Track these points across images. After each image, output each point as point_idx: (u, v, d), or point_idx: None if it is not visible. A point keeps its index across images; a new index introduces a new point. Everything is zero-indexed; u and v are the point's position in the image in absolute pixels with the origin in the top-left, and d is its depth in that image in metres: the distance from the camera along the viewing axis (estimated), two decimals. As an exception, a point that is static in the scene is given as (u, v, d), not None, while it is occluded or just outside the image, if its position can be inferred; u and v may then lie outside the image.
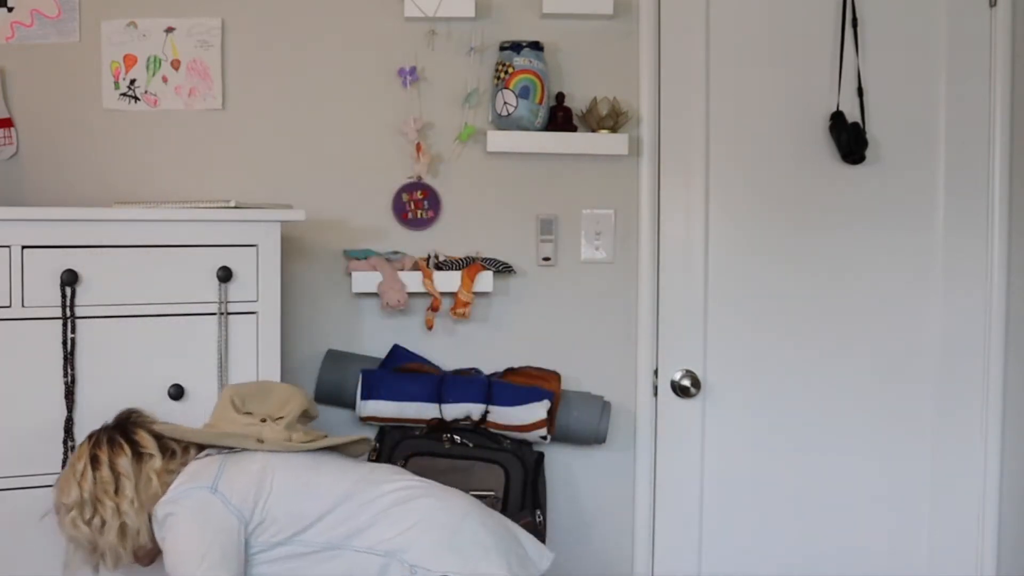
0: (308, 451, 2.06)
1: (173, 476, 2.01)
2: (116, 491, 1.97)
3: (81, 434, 2.14)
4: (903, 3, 2.83)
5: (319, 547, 1.94)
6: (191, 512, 1.93)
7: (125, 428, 2.05)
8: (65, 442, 2.18)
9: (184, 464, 2.04)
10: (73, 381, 2.19)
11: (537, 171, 2.77)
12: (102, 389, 2.20)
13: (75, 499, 1.97)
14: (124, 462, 1.99)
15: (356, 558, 1.93)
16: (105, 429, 2.06)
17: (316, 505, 1.96)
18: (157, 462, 2.01)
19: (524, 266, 2.78)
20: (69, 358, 2.18)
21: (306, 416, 2.17)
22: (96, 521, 1.97)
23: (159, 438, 2.05)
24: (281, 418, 2.09)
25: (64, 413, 2.18)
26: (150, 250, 2.24)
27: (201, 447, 2.08)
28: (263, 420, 2.08)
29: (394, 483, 2.03)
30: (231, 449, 2.05)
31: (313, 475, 2.01)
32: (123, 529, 1.97)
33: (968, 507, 2.88)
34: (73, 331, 2.18)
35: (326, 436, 2.15)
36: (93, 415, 2.14)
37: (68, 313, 2.18)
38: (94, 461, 1.99)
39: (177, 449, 2.06)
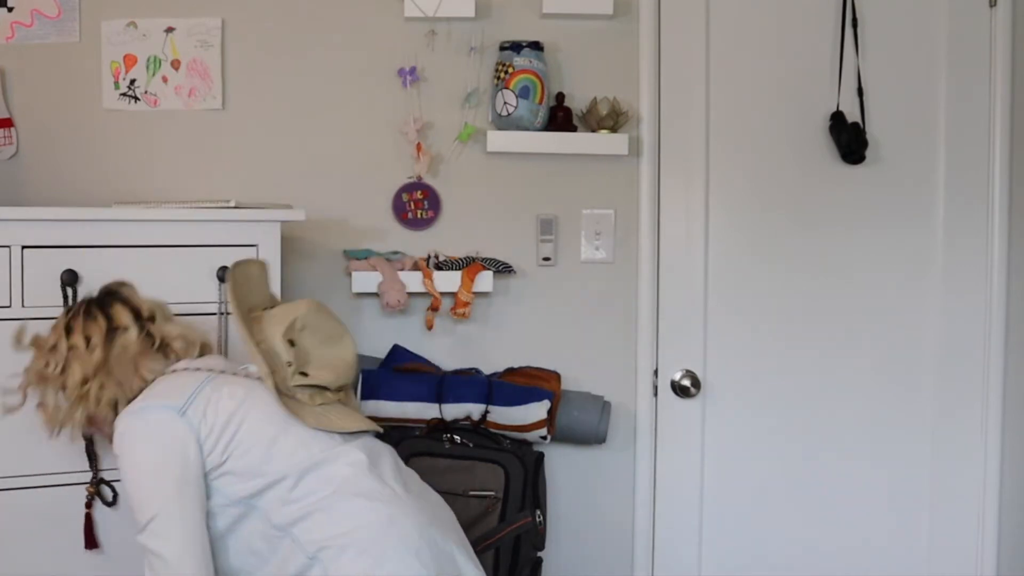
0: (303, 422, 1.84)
1: (153, 376, 1.90)
2: (85, 362, 1.87)
3: None
4: (903, 3, 2.83)
5: (270, 526, 1.77)
6: (150, 433, 1.78)
7: (103, 301, 1.96)
8: None
9: (171, 365, 1.92)
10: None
11: (537, 171, 2.78)
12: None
13: (40, 368, 1.91)
14: (96, 334, 1.89)
15: (292, 547, 1.76)
16: (86, 300, 1.97)
17: (272, 468, 1.78)
18: (132, 335, 1.90)
19: (524, 266, 2.78)
20: None
21: (343, 392, 1.97)
22: (58, 379, 1.89)
23: (139, 316, 1.93)
24: (318, 384, 1.88)
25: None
26: (150, 250, 2.23)
27: (202, 350, 1.99)
28: (302, 371, 1.88)
29: (352, 467, 1.81)
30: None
31: (281, 434, 1.81)
32: (81, 399, 1.87)
33: (968, 507, 2.88)
34: None
35: (354, 415, 1.93)
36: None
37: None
38: (68, 331, 1.91)
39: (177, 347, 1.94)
